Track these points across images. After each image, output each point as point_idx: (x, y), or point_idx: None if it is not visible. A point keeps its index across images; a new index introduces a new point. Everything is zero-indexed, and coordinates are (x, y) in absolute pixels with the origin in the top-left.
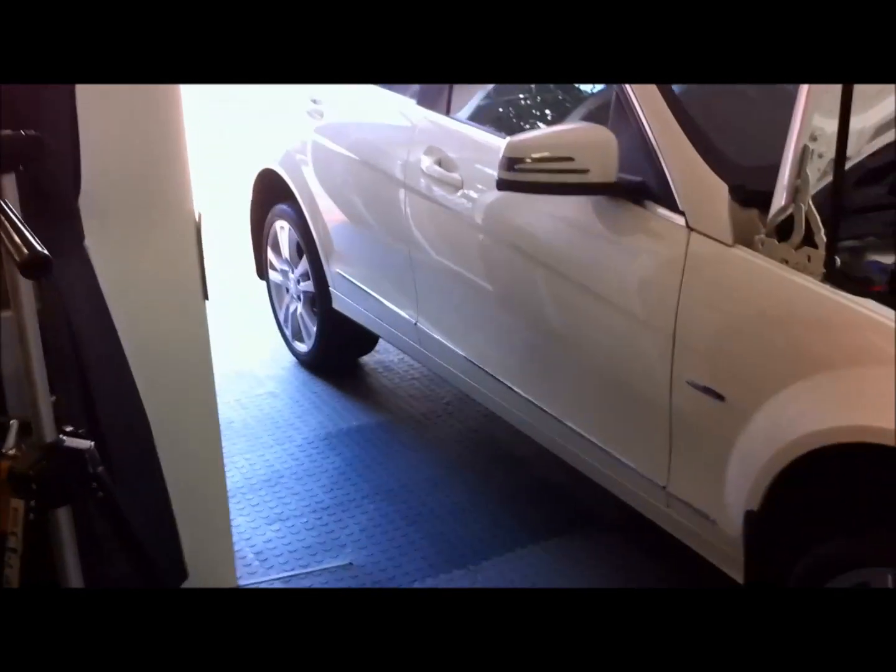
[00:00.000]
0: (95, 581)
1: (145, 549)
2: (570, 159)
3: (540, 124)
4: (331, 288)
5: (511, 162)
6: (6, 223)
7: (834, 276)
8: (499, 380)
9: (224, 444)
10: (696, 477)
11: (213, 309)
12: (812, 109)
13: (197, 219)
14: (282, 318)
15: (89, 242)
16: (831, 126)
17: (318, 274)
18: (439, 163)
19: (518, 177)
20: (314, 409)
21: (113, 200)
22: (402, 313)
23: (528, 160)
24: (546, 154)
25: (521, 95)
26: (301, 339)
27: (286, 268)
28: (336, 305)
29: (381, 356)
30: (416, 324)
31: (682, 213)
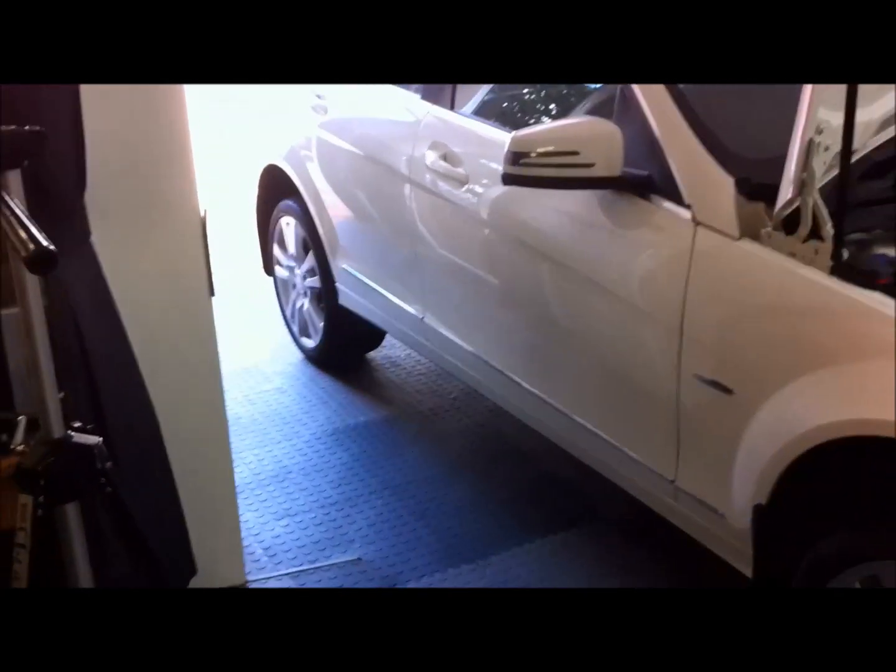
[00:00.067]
0: (95, 581)
1: (150, 547)
2: (575, 153)
3: (545, 119)
4: (337, 284)
5: (516, 156)
6: (12, 219)
7: (841, 269)
8: (505, 374)
9: (232, 439)
10: (704, 471)
11: (220, 306)
12: (818, 102)
13: (202, 215)
14: (288, 314)
15: (95, 239)
16: (837, 119)
17: (324, 270)
18: (444, 158)
19: (523, 171)
20: (321, 404)
21: (119, 198)
22: (409, 308)
23: (534, 154)
24: (551, 148)
25: (526, 90)
26: (308, 335)
27: (292, 264)
28: (342, 301)
29: (388, 351)
30: (422, 319)
31: (687, 207)
